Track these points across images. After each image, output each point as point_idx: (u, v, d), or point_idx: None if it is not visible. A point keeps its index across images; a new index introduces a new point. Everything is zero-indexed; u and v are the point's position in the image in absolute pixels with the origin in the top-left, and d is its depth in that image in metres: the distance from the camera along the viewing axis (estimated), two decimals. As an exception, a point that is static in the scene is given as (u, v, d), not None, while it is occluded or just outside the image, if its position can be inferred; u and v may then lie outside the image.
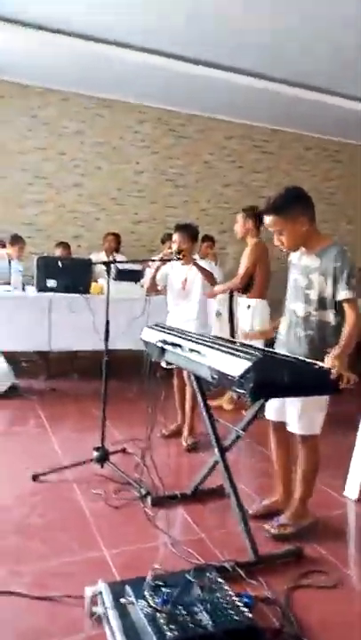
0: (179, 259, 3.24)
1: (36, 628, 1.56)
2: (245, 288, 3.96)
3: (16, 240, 4.78)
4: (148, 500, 2.42)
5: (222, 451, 2.25)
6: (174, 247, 3.31)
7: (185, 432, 3.33)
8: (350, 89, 5.56)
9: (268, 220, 2.16)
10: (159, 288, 3.56)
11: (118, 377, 4.18)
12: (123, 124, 6.30)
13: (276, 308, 2.42)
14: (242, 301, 4.06)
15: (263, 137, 7.01)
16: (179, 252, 3.25)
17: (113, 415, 3.06)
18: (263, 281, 3.98)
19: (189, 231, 3.35)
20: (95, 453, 2.71)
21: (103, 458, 2.69)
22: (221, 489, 2.53)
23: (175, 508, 2.40)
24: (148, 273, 5.35)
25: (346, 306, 2.09)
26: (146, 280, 3.69)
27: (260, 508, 2.37)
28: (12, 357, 4.53)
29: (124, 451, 3.03)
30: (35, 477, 2.62)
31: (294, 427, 2.20)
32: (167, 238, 5.81)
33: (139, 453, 2.93)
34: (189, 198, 6.69)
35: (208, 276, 3.30)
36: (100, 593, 1.62)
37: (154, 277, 3.44)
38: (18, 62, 5.24)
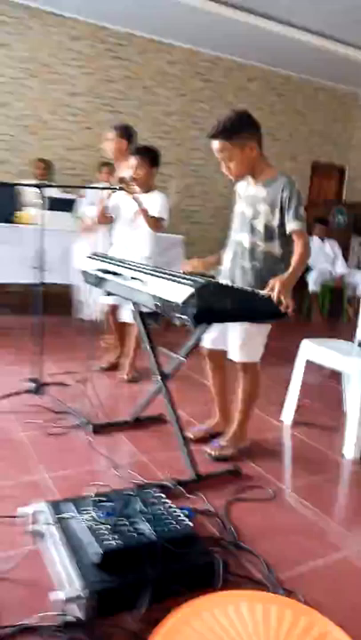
0: (121, 188, 2.97)
1: (-26, 547, 1.54)
2: None
3: None
4: (89, 427, 2.42)
5: (164, 377, 2.26)
6: (129, 172, 3.03)
7: (126, 367, 3.28)
8: (297, 17, 5.39)
9: (216, 144, 2.08)
10: (111, 216, 3.28)
11: (52, 312, 4.05)
12: (54, 40, 5.78)
13: (221, 243, 2.39)
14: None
15: (207, 64, 6.71)
16: (121, 180, 2.98)
17: (48, 349, 2.98)
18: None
19: (149, 155, 3.08)
20: (32, 384, 2.64)
21: (39, 387, 2.63)
22: (161, 417, 2.59)
23: (116, 435, 2.42)
24: (85, 203, 5.12)
25: (295, 236, 2.10)
26: (93, 210, 3.42)
27: (200, 432, 2.44)
28: None
29: (61, 383, 2.98)
30: (-32, 408, 2.54)
31: (236, 355, 2.24)
32: (103, 166, 5.54)
33: (77, 385, 2.91)
34: (128, 126, 6.37)
35: (147, 218, 3.02)
36: (41, 510, 1.61)
37: (104, 207, 3.18)
38: None
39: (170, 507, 1.62)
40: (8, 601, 1.34)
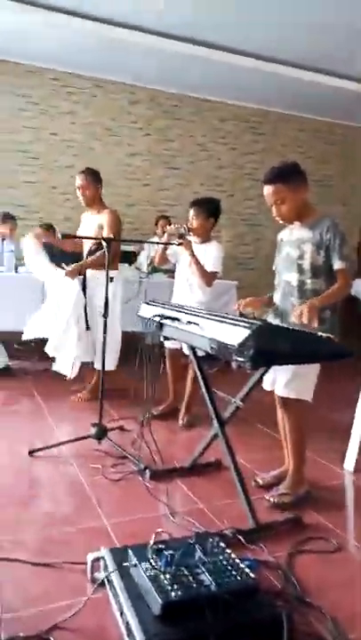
0: (180, 244, 3.08)
1: (39, 592, 1.56)
2: None
3: (7, 218, 4.72)
4: (147, 473, 2.43)
5: (221, 423, 2.25)
6: (188, 223, 3.17)
7: (182, 411, 3.30)
8: (344, 68, 5.54)
9: (270, 189, 2.19)
10: (172, 261, 3.40)
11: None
12: (115, 105, 6.22)
13: (272, 287, 2.44)
14: (101, 275, 3.39)
15: (257, 118, 6.96)
16: (180, 235, 3.07)
17: (108, 395, 3.05)
18: (119, 252, 3.69)
19: (205, 207, 3.17)
20: (93, 429, 2.70)
21: (101, 433, 2.68)
22: (219, 462, 2.56)
23: (174, 481, 2.41)
24: (144, 255, 5.36)
25: (339, 274, 2.16)
26: (156, 254, 3.55)
27: (271, 478, 2.40)
28: (3, 339, 4.50)
29: (121, 428, 3.03)
30: (31, 452, 2.61)
31: (282, 390, 2.23)
32: (160, 219, 5.79)
33: (136, 430, 2.94)
34: (183, 181, 6.65)
35: (201, 271, 3.10)
36: (103, 558, 1.62)
37: (164, 250, 3.29)
38: (8, 40, 5.15)
39: (231, 557, 1.57)
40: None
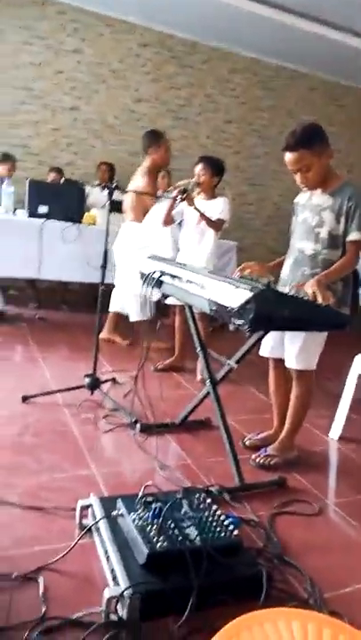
0: (183, 199, 3.07)
1: (29, 534, 1.60)
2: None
3: (6, 158, 4.58)
4: (138, 426, 2.46)
5: (214, 382, 2.27)
6: (195, 178, 3.20)
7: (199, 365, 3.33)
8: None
9: (293, 155, 2.05)
10: (177, 220, 3.42)
11: (106, 310, 4.15)
12: (123, 47, 5.92)
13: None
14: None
15: (268, 72, 6.68)
16: (183, 191, 3.07)
17: (103, 348, 3.06)
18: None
19: (212, 163, 3.21)
20: (86, 380, 2.71)
21: (94, 384, 2.70)
22: (209, 421, 2.60)
23: (164, 436, 2.45)
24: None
25: (351, 245, 2.10)
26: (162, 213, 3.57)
27: (257, 440, 2.44)
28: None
29: (114, 380, 3.05)
30: (24, 399, 2.63)
31: (292, 362, 2.23)
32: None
33: (129, 383, 2.97)
34: (189, 133, 6.44)
35: (208, 221, 3.15)
36: (91, 506, 1.66)
37: (170, 210, 3.29)
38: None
39: (216, 513, 1.62)
40: (56, 592, 1.38)
